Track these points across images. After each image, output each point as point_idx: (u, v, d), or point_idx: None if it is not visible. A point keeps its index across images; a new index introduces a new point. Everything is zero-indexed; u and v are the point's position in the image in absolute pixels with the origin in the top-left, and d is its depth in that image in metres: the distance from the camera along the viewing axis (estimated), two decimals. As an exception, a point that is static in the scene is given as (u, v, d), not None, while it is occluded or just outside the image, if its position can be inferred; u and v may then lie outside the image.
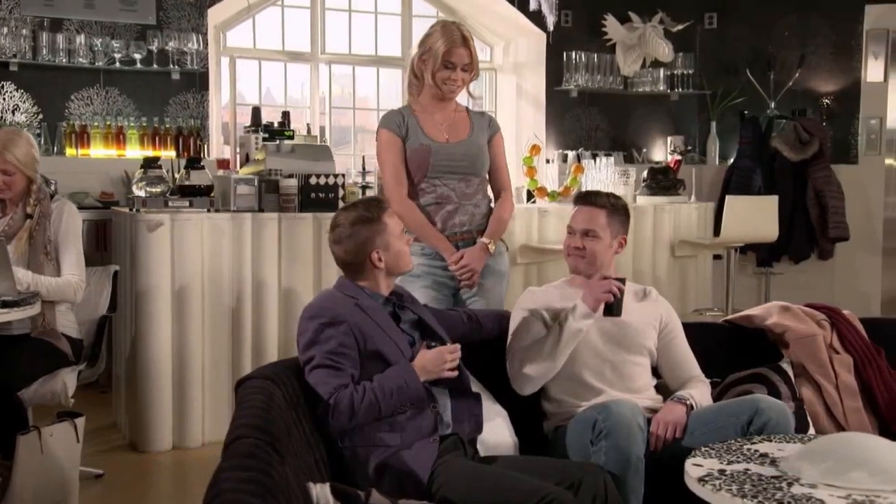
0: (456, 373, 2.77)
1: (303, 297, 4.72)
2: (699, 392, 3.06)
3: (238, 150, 6.22)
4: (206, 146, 6.45)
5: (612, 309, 2.98)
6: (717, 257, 6.98)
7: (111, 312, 4.18)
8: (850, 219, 7.45)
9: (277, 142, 4.95)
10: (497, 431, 3.00)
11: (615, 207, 3.16)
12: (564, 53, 7.52)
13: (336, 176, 4.80)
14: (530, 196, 6.71)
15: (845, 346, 3.35)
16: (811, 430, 3.11)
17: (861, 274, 7.61)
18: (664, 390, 3.17)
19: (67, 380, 3.81)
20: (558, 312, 3.06)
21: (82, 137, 6.07)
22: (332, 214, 4.68)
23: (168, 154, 6.10)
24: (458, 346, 2.78)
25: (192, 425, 4.61)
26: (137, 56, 6.21)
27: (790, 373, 3.26)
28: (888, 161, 7.77)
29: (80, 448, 3.61)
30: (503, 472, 2.63)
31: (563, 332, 2.96)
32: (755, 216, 6.14)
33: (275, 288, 4.71)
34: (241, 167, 5.82)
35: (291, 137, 5.24)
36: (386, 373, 2.70)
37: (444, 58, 3.57)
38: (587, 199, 3.18)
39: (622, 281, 2.99)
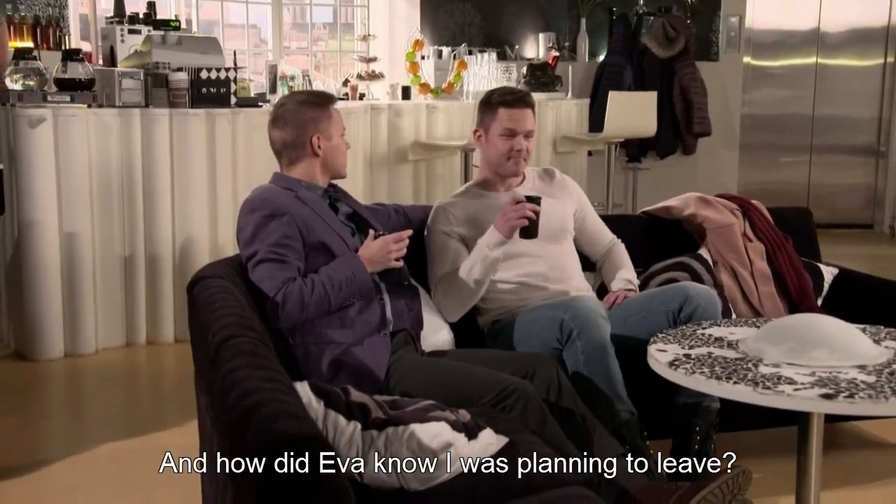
0: (401, 263, 2.75)
1: (197, 195, 4.54)
2: (628, 270, 3.19)
3: (101, 42, 5.83)
4: (66, 37, 6.03)
5: (529, 231, 2.89)
6: (588, 153, 7.11)
7: (0, 214, 3.91)
8: (712, 115, 7.71)
9: (163, 32, 4.66)
10: (434, 327, 2.99)
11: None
12: (438, -55, 7.37)
13: (228, 70, 4.58)
14: (406, 93, 6.62)
15: (757, 235, 3.49)
16: (733, 315, 3.26)
17: (721, 168, 7.93)
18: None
19: (-40, 287, 3.56)
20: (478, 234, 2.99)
21: (-73, 26, 5.55)
22: (225, 111, 4.59)
23: (25, 45, 5.65)
24: (404, 233, 2.73)
25: (84, 331, 4.41)
26: (-14, -63, 5.71)
27: (710, 261, 3.38)
28: (746, 59, 8.05)
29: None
30: (460, 365, 2.62)
31: (481, 264, 2.91)
32: (635, 112, 6.27)
33: (167, 186, 4.49)
34: (104, 61, 5.46)
35: (178, 28, 4.94)
36: (332, 264, 2.65)
37: None
38: (524, 99, 3.12)
39: (537, 201, 2.89)
